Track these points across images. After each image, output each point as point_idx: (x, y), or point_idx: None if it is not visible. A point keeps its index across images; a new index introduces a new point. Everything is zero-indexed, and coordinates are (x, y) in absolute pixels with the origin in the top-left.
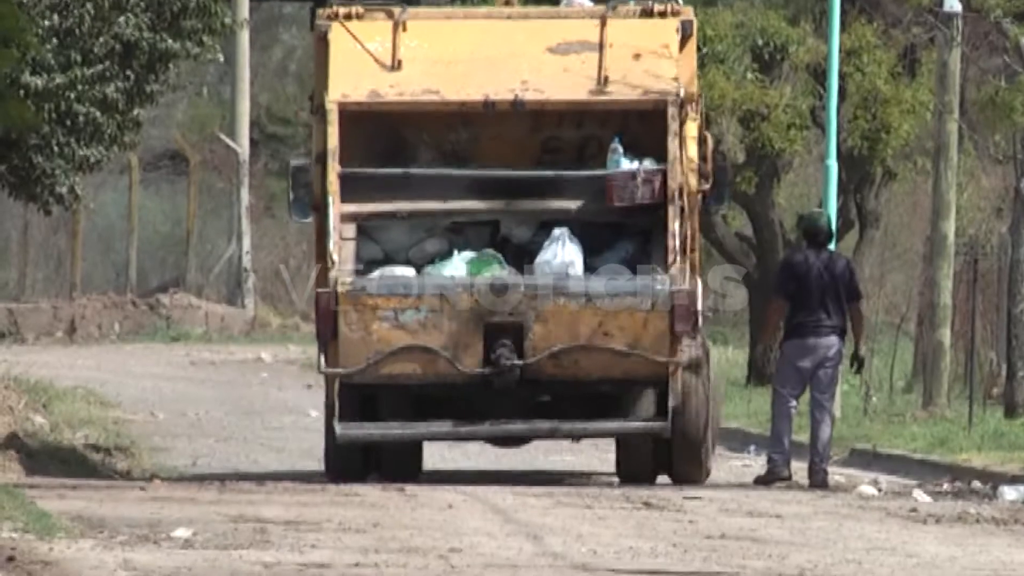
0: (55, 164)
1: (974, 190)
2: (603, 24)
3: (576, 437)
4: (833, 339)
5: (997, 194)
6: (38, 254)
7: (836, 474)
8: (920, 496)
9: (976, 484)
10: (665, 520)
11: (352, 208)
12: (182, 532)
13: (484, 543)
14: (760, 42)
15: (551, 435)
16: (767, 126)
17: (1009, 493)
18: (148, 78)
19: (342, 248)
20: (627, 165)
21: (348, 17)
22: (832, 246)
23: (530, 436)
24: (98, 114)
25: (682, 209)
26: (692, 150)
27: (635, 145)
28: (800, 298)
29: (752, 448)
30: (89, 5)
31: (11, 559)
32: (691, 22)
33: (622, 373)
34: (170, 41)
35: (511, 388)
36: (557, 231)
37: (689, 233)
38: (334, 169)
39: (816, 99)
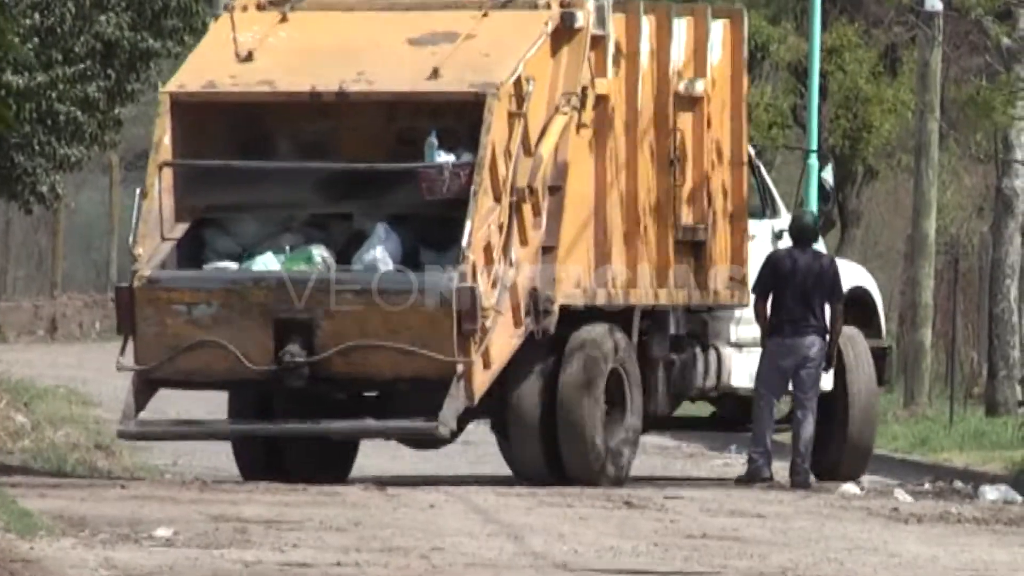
0: (36, 163)
1: (956, 189)
2: (484, 16)
3: (349, 438)
4: (814, 339)
5: (978, 193)
6: (19, 253)
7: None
8: (902, 496)
9: (957, 483)
10: (646, 519)
11: (193, 201)
12: (163, 531)
13: (466, 543)
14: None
15: (329, 435)
16: (749, 125)
17: (990, 492)
18: (129, 77)
19: (159, 240)
20: (442, 158)
21: (245, 8)
22: (821, 246)
23: (321, 435)
24: (79, 113)
25: (511, 205)
26: (547, 144)
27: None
28: (783, 297)
29: (733, 447)
30: (70, 4)
31: None
32: (572, 14)
33: (412, 372)
34: (151, 40)
35: (301, 386)
36: (379, 227)
37: (526, 227)
38: (154, 161)
39: (797, 98)
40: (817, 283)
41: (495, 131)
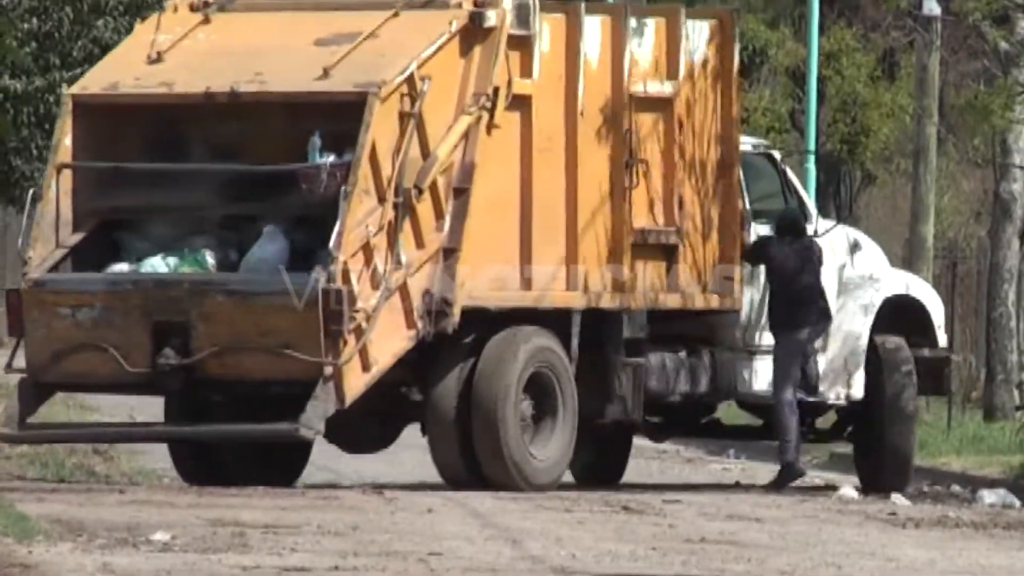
0: (34, 167)
1: (954, 194)
2: (395, 16)
3: (214, 441)
4: (809, 330)
5: (976, 197)
6: (18, 257)
7: (815, 477)
8: (899, 500)
9: (955, 488)
10: (644, 524)
11: (94, 204)
12: (161, 535)
13: (463, 547)
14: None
15: (194, 439)
16: (747, 129)
17: (988, 497)
18: None
19: (53, 244)
20: (323, 159)
21: (176, 9)
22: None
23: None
24: None
25: (397, 205)
26: (447, 144)
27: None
28: (782, 290)
29: (731, 452)
30: (68, 9)
31: None
32: (481, 13)
33: (283, 374)
34: None
35: (177, 389)
36: (267, 228)
37: (410, 227)
38: (52, 163)
39: (795, 102)
40: (813, 271)
41: (377, 131)
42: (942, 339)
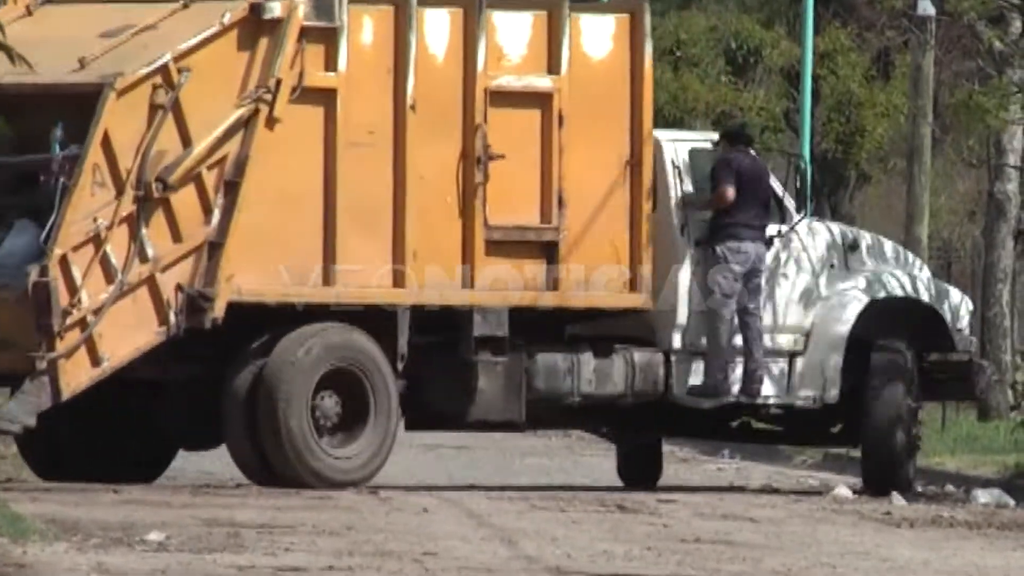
0: None
1: (949, 194)
2: (185, 7)
3: None
4: (762, 245)
5: (971, 197)
6: None
7: (810, 478)
8: (894, 499)
9: (950, 487)
10: (639, 524)
11: None
12: (156, 535)
13: (458, 547)
14: (734, 45)
15: None
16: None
17: (982, 496)
18: None
19: None
20: (65, 151)
21: (16, 2)
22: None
23: None
24: None
25: (140, 199)
26: (209, 139)
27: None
28: (737, 200)
29: (726, 452)
30: None
31: None
32: (261, 5)
33: (7, 367)
34: None
35: None
36: (18, 221)
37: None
38: None
39: (790, 102)
40: (764, 188)
41: (112, 123)
42: (963, 342)
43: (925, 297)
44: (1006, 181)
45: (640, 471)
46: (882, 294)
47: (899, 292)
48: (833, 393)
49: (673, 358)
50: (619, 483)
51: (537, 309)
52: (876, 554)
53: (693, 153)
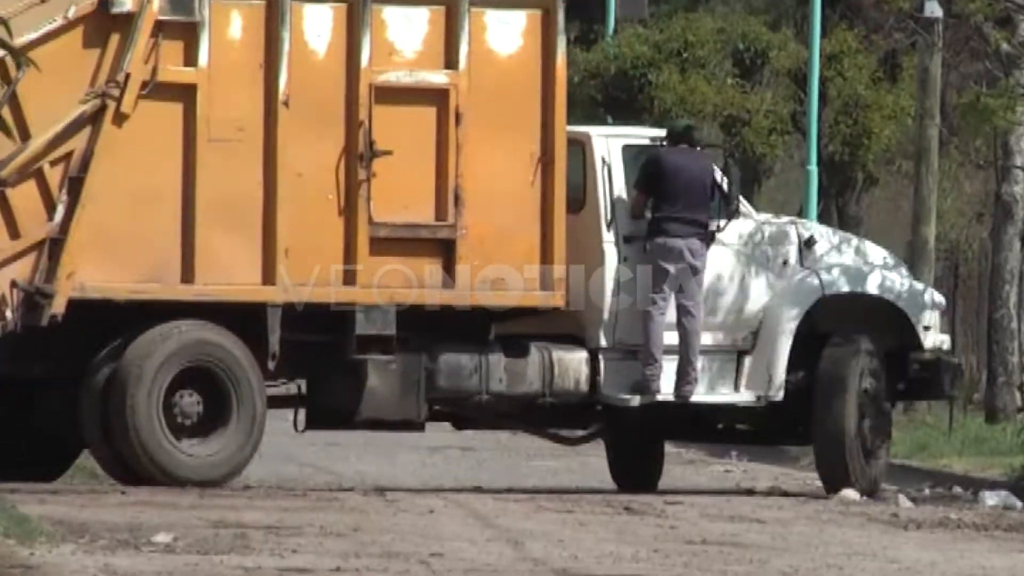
0: None
1: (956, 195)
2: (41, 2)
3: None
4: (697, 242)
5: (978, 199)
6: None
7: (817, 480)
8: (901, 501)
9: (957, 489)
10: (646, 525)
11: None
12: (163, 537)
13: (465, 548)
14: (741, 47)
15: None
16: (748, 131)
17: (990, 498)
18: None
19: None
20: None
21: None
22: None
23: None
24: None
25: None
26: (46, 135)
27: None
28: (666, 197)
29: (733, 454)
30: None
31: None
32: (109, 0)
33: None
34: None
35: None
36: None
37: None
38: None
39: (797, 104)
40: (701, 183)
41: None
42: (930, 340)
43: (885, 294)
44: (1013, 183)
45: (634, 472)
46: (835, 291)
47: (856, 289)
48: (778, 392)
49: (602, 357)
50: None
51: (426, 308)
52: (883, 555)
53: (627, 149)
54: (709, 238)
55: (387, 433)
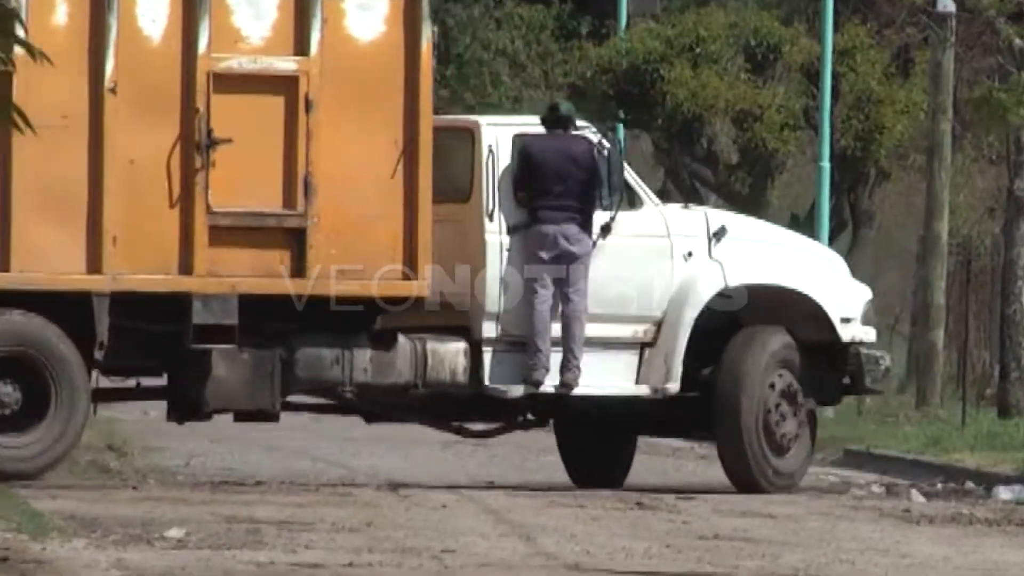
0: None
1: (968, 190)
2: None
3: None
4: (574, 227)
5: (991, 194)
6: None
7: (829, 474)
8: (914, 496)
9: (969, 484)
10: (659, 520)
11: None
12: (175, 532)
13: (478, 543)
14: (753, 42)
15: None
16: (760, 126)
17: (1003, 493)
18: None
19: None
20: None
21: None
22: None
23: None
24: None
25: None
26: None
27: None
28: (537, 184)
29: None
30: None
31: (4, 559)
32: None
33: None
34: None
35: None
36: None
37: None
38: None
39: (809, 99)
40: (575, 168)
41: None
42: (849, 332)
43: (796, 285)
44: None
45: (589, 467)
46: (740, 282)
47: (763, 280)
48: (673, 384)
49: (485, 348)
50: (640, 480)
51: (272, 296)
52: (895, 550)
53: (517, 139)
54: (588, 225)
55: (401, 429)
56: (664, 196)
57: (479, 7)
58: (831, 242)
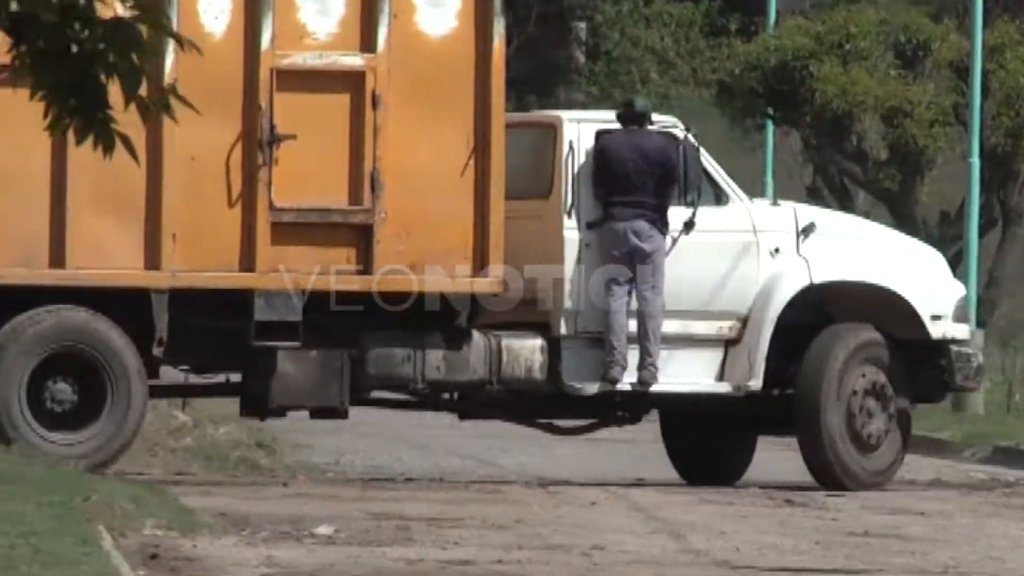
0: None
1: None
2: None
3: None
4: (645, 224)
5: None
6: None
7: (978, 471)
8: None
9: None
10: (807, 518)
11: None
12: (325, 529)
13: (627, 541)
14: (903, 39)
15: None
16: (910, 123)
17: None
18: None
19: None
20: None
21: None
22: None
23: None
24: None
25: None
26: None
27: None
28: (612, 180)
29: None
30: None
31: (154, 556)
32: None
33: None
34: None
35: None
36: None
37: None
38: None
39: (959, 96)
40: (647, 164)
41: None
42: (939, 330)
43: (884, 282)
44: None
45: (698, 463)
46: (825, 279)
47: (850, 277)
48: (755, 382)
49: (564, 345)
50: (793, 478)
51: (350, 293)
52: None
53: (600, 135)
54: (661, 221)
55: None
56: (813, 193)
57: (628, 4)
58: (980, 239)
